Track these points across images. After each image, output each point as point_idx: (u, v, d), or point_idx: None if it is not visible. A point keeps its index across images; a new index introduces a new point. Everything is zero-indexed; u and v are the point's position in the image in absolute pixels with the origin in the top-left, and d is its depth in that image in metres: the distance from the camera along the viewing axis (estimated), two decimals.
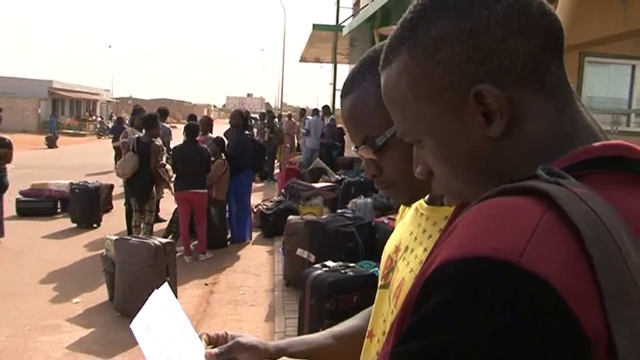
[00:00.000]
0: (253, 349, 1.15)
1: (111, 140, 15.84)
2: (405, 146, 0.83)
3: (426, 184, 1.01)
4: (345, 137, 15.29)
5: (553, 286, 0.51)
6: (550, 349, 0.51)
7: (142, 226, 7.90)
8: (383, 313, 1.15)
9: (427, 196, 1.14)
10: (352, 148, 1.15)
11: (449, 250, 0.57)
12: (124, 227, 8.48)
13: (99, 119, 44.32)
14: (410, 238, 1.14)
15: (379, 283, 1.21)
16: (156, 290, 1.14)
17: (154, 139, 7.91)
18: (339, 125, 15.22)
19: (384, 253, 1.25)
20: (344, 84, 1.11)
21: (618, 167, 0.62)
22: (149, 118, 8.24)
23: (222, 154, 8.39)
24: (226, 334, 1.19)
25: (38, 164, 17.72)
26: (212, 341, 1.17)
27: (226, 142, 8.78)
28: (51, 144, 27.57)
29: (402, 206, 1.33)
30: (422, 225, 1.12)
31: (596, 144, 0.64)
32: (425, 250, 1.07)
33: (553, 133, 0.67)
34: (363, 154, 1.09)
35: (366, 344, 1.20)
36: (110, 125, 31.55)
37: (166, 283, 1.22)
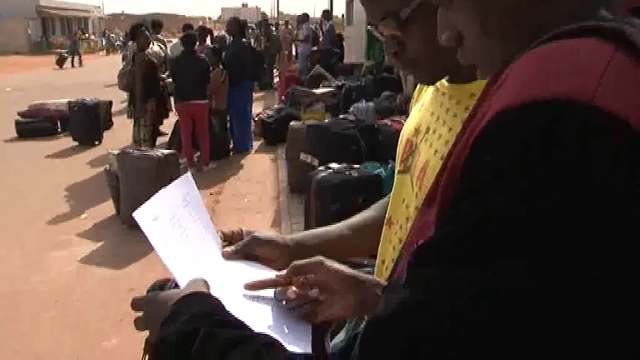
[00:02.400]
0: (271, 244, 1.12)
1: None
2: (430, 19, 0.75)
3: (450, 62, 0.95)
4: (344, 43, 14.95)
5: (637, 129, 0.44)
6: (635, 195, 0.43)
7: (141, 139, 7.85)
8: (404, 199, 1.10)
9: (447, 77, 1.07)
10: (368, 27, 1.06)
11: (503, 100, 0.48)
12: (126, 143, 8.43)
13: (96, 36, 43.44)
14: (431, 119, 1.08)
15: (397, 168, 1.16)
16: (176, 180, 1.07)
17: (143, 50, 7.72)
18: (337, 31, 14.84)
19: (400, 137, 1.19)
20: None
21: None
22: (133, 28, 8.03)
23: (220, 64, 8.22)
24: (241, 230, 1.15)
25: (33, 85, 17.49)
26: (227, 238, 1.13)
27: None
28: (60, 62, 27.17)
29: (417, 89, 1.27)
30: (444, 104, 1.06)
31: None
32: (450, 129, 1.01)
33: None
34: (383, 31, 1.00)
35: (385, 232, 1.16)
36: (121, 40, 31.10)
37: (189, 172, 1.15)
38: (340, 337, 1.16)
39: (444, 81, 1.08)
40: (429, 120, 1.09)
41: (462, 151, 0.52)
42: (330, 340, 1.19)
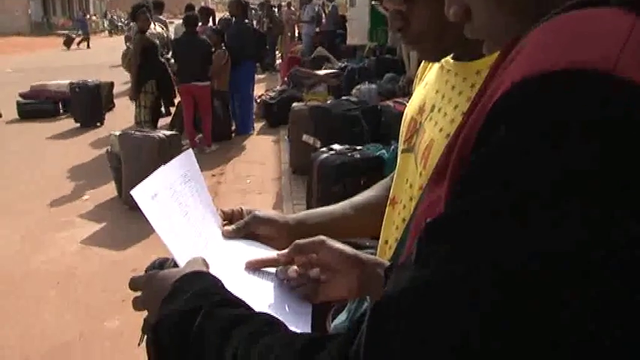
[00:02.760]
0: (272, 223, 1.11)
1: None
2: None
3: (456, 38, 0.91)
4: (347, 25, 14.83)
5: None
6: None
7: (142, 120, 7.82)
8: (408, 178, 1.08)
9: (452, 54, 1.05)
10: (373, 2, 1.03)
11: (520, 70, 0.45)
12: (128, 125, 8.41)
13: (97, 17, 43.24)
14: (436, 97, 1.06)
15: (401, 147, 1.14)
16: (178, 156, 1.05)
17: (144, 31, 7.66)
18: (340, 13, 14.71)
19: (404, 116, 1.17)
20: None
21: None
22: (133, 9, 7.94)
23: (222, 45, 8.17)
24: (241, 209, 1.14)
25: (35, 66, 17.43)
26: (227, 217, 1.12)
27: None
28: (68, 43, 26.94)
29: (421, 67, 1.24)
30: (450, 82, 1.04)
31: None
32: (456, 107, 0.99)
33: None
34: (387, 6, 0.98)
35: (388, 212, 1.14)
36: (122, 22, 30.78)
37: (191, 149, 1.13)
38: (342, 317, 1.15)
39: (449, 58, 1.05)
40: (433, 98, 1.07)
41: (474, 124, 0.50)
42: (332, 321, 1.19)
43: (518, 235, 0.42)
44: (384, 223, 1.15)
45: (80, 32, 29.35)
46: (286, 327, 0.71)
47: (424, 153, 1.01)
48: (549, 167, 0.42)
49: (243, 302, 0.76)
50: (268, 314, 0.74)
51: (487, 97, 0.50)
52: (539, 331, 0.40)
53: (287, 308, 0.90)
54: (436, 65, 1.11)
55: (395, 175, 1.15)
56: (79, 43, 28.03)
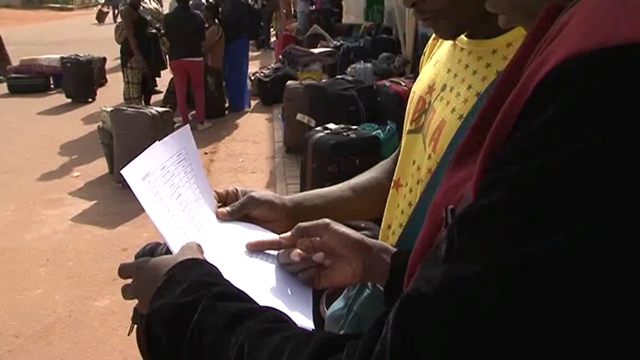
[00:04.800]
0: (269, 205, 1.05)
1: None
2: None
3: (473, 14, 0.88)
4: (342, 3, 14.68)
5: None
6: None
7: (130, 97, 7.74)
8: (415, 160, 1.03)
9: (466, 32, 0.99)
10: None
11: (568, 46, 0.41)
12: (120, 101, 8.31)
13: None
14: (448, 76, 1.00)
15: (407, 127, 1.09)
16: (174, 132, 0.98)
17: (134, 6, 7.57)
18: None
19: (411, 95, 1.11)
20: None
21: None
22: None
23: (216, 20, 8.06)
24: (236, 189, 1.08)
25: (27, 40, 17.17)
26: (221, 199, 1.06)
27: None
28: (100, 18, 26.28)
29: (429, 44, 1.19)
30: (463, 60, 0.98)
31: None
32: (469, 87, 0.94)
33: None
34: None
35: (392, 194, 1.09)
36: None
37: (187, 125, 1.07)
38: (339, 305, 1.11)
39: (462, 36, 1.00)
40: (444, 77, 1.01)
41: (515, 102, 0.45)
42: (327, 308, 1.14)
43: (568, 227, 0.38)
44: (387, 206, 1.10)
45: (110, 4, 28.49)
46: (293, 322, 0.66)
47: (434, 134, 0.96)
48: (589, 157, 0.38)
49: (245, 294, 0.71)
50: (274, 309, 0.69)
51: (530, 72, 0.44)
52: (613, 329, 0.37)
53: (289, 292, 0.86)
54: (447, 43, 1.05)
55: (400, 157, 1.10)
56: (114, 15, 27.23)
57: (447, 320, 0.40)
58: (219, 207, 1.04)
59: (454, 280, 0.41)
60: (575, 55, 0.40)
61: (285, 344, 0.58)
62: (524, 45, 0.51)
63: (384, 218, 1.11)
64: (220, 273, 0.76)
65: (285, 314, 0.68)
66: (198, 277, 0.73)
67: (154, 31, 8.03)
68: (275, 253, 0.92)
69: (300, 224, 0.90)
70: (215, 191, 1.06)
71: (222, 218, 1.02)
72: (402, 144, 1.09)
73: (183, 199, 0.94)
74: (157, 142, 0.93)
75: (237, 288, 0.73)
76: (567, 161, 0.38)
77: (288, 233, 0.91)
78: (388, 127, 4.89)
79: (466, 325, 0.39)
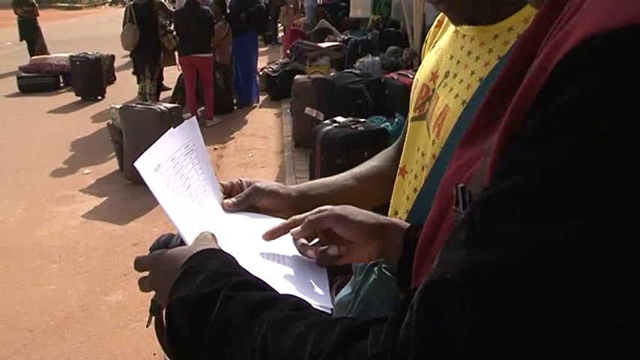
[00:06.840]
0: (274, 195, 1.06)
1: None
2: None
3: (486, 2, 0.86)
4: None
5: None
6: None
7: (148, 92, 7.76)
8: (419, 147, 1.04)
9: None
10: None
11: (590, 24, 0.39)
12: (129, 98, 8.35)
13: None
14: (451, 63, 1.01)
15: (411, 115, 1.10)
16: (180, 124, 0.99)
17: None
18: None
19: (415, 82, 1.12)
20: None
21: None
22: None
23: (224, 16, 8.06)
24: (241, 181, 1.09)
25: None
26: (226, 190, 1.07)
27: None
28: None
29: (430, 32, 1.19)
30: (465, 47, 0.99)
31: None
32: (472, 73, 0.94)
33: None
34: None
35: (398, 181, 1.10)
36: None
37: (194, 117, 1.08)
38: (347, 291, 1.12)
39: None
40: (447, 64, 1.02)
41: (533, 81, 0.43)
42: (336, 294, 1.15)
43: (592, 212, 0.36)
44: (393, 192, 1.11)
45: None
46: (314, 308, 0.66)
47: (438, 120, 0.97)
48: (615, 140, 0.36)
49: (264, 282, 0.71)
50: (294, 296, 0.69)
51: (549, 50, 0.43)
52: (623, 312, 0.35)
53: (305, 277, 0.87)
54: (449, 30, 1.06)
55: (405, 144, 1.11)
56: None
57: (473, 306, 0.39)
58: (224, 199, 1.05)
59: (479, 264, 0.40)
60: (597, 35, 0.38)
61: (310, 331, 0.57)
62: (539, 18, 0.49)
63: (390, 205, 1.12)
64: (237, 262, 0.76)
65: (305, 301, 0.68)
66: (216, 267, 0.73)
67: (170, 28, 8.08)
68: (285, 239, 0.93)
69: (310, 218, 0.90)
70: (220, 183, 1.07)
71: (228, 209, 1.03)
72: (407, 131, 1.10)
73: (192, 190, 0.95)
74: (165, 134, 0.94)
75: (255, 277, 0.72)
76: (595, 143, 0.37)
77: (299, 228, 0.91)
78: (396, 119, 4.88)
79: (493, 310, 0.38)
